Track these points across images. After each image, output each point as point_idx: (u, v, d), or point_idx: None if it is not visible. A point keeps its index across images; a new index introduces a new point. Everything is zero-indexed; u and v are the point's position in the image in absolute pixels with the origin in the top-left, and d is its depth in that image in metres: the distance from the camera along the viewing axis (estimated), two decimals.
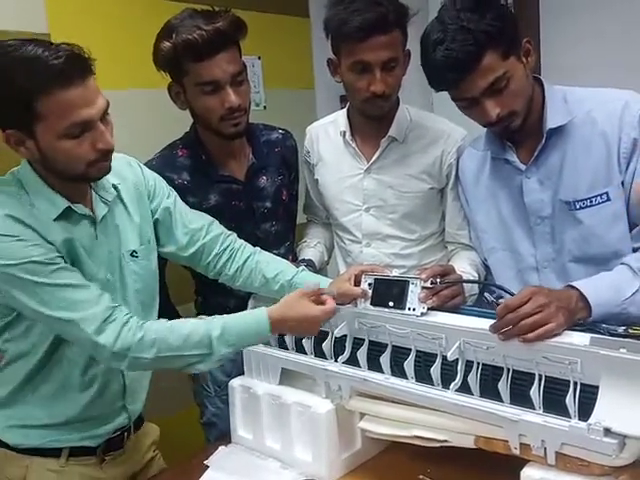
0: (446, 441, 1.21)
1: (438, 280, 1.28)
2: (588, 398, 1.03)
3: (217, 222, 1.51)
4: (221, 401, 1.70)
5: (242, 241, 1.52)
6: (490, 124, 1.37)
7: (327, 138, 1.79)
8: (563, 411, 1.05)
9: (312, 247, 1.83)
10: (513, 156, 1.44)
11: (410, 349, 1.24)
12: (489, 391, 1.14)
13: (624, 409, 0.99)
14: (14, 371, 1.28)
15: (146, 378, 1.46)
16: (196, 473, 1.38)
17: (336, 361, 1.36)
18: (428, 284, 1.26)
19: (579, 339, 1.07)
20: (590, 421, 1.01)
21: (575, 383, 1.05)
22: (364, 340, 1.32)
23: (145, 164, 1.51)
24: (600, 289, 1.21)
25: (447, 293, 1.29)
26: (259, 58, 2.71)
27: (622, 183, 1.33)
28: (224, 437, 1.55)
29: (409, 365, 1.23)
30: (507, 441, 1.11)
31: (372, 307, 1.31)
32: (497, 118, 1.33)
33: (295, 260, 1.74)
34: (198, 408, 1.81)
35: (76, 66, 1.12)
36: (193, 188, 1.62)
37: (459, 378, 1.17)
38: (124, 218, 1.35)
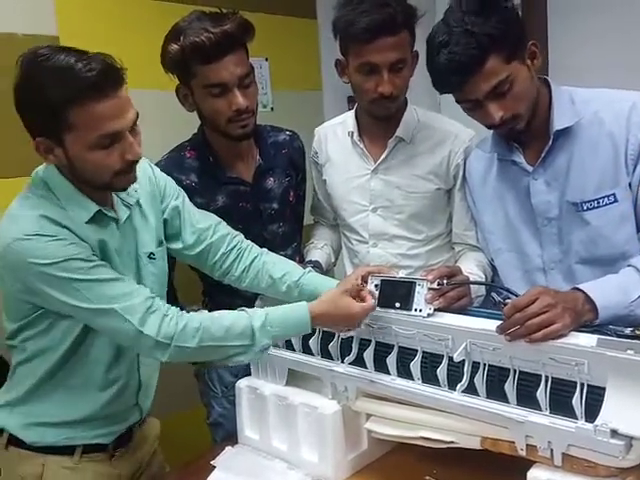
0: (452, 442, 1.21)
1: (445, 281, 1.28)
2: (595, 399, 1.03)
3: (224, 223, 1.52)
4: (228, 401, 1.71)
5: (249, 242, 1.53)
6: (493, 127, 1.37)
7: (335, 139, 1.79)
8: (570, 412, 1.05)
9: (319, 249, 1.84)
10: (520, 157, 1.44)
11: (416, 350, 1.25)
12: (495, 392, 1.14)
13: (631, 410, 0.98)
14: (33, 368, 1.29)
15: (156, 374, 1.47)
16: (203, 473, 1.39)
17: (343, 362, 1.36)
18: (435, 285, 1.26)
19: (586, 340, 1.07)
20: (597, 422, 1.00)
21: (582, 384, 1.05)
22: (371, 341, 1.32)
23: None
24: (607, 291, 1.20)
25: (453, 294, 1.30)
26: (266, 60, 2.72)
27: (629, 184, 1.33)
28: (231, 437, 1.55)
29: (415, 366, 1.24)
30: (513, 442, 1.11)
31: (379, 308, 1.31)
32: (500, 121, 1.33)
33: (302, 261, 1.75)
34: (205, 408, 1.81)
35: (109, 78, 1.12)
36: (201, 189, 1.62)
37: (465, 379, 1.17)
38: (141, 220, 1.36)
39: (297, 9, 2.86)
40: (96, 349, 1.29)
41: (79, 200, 1.23)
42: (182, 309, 1.74)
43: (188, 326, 1.21)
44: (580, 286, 1.20)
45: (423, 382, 1.24)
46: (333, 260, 1.88)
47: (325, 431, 1.32)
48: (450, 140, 1.68)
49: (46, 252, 1.15)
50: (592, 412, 1.03)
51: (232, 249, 1.49)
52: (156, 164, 1.57)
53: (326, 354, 1.39)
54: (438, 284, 1.27)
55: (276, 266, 1.47)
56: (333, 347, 1.37)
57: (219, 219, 1.51)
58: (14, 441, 1.32)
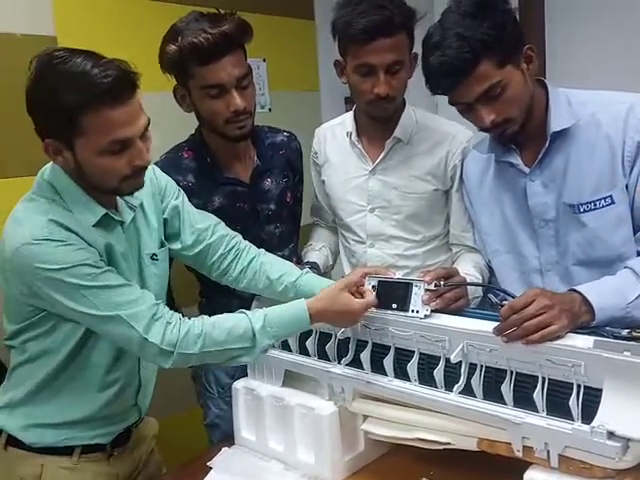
0: (449, 443, 1.21)
1: (442, 282, 1.28)
2: (591, 401, 1.03)
3: (223, 223, 1.52)
4: (224, 402, 1.71)
5: (247, 242, 1.53)
6: (485, 130, 1.38)
7: (334, 139, 1.80)
8: (566, 414, 1.05)
9: (317, 250, 1.84)
10: (517, 159, 1.44)
11: (413, 351, 1.25)
12: (492, 394, 1.15)
13: (627, 412, 0.99)
14: (34, 370, 1.29)
15: (155, 374, 1.47)
16: (199, 474, 1.39)
17: (339, 363, 1.36)
18: (432, 286, 1.27)
19: (583, 342, 1.07)
20: (593, 424, 1.01)
21: (578, 386, 1.05)
22: (367, 342, 1.32)
23: None
24: (604, 293, 1.20)
25: (450, 295, 1.30)
26: (264, 60, 2.72)
27: (626, 186, 1.33)
28: (227, 438, 1.55)
29: (412, 367, 1.24)
30: (510, 444, 1.11)
31: (375, 309, 1.31)
32: (491, 124, 1.33)
33: (299, 262, 1.75)
34: (201, 409, 1.81)
35: (124, 84, 1.12)
36: (198, 190, 1.62)
37: (462, 380, 1.17)
38: (143, 221, 1.36)
39: (295, 10, 2.86)
40: (97, 352, 1.29)
41: (86, 203, 1.23)
42: (179, 310, 1.75)
43: (190, 333, 1.22)
44: (577, 288, 1.20)
45: (420, 383, 1.24)
46: (331, 262, 1.88)
47: (322, 432, 1.32)
48: (448, 141, 1.68)
49: (55, 257, 1.15)
50: (589, 414, 1.03)
51: (230, 250, 1.49)
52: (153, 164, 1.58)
53: (323, 355, 1.39)
54: (435, 285, 1.27)
55: (273, 267, 1.47)
56: (330, 348, 1.37)
57: (218, 219, 1.51)
58: (13, 442, 1.32)
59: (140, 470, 1.47)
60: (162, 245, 1.41)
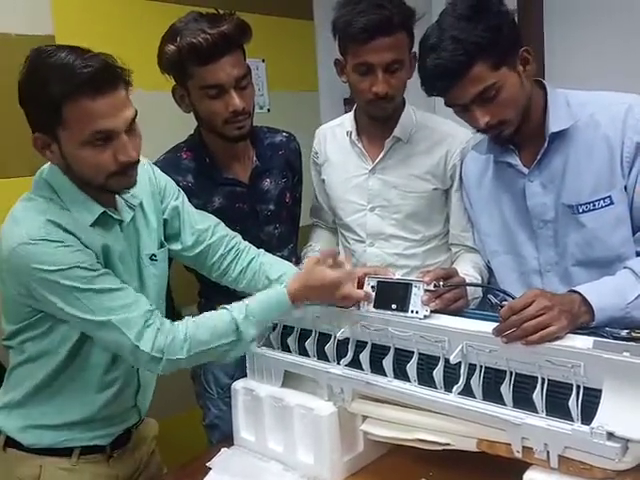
0: (448, 444, 1.21)
1: (441, 283, 1.28)
2: (591, 402, 1.03)
3: (223, 224, 1.52)
4: (224, 403, 1.71)
5: (246, 243, 1.53)
6: (481, 131, 1.39)
7: (334, 139, 1.81)
8: (566, 414, 1.05)
9: (316, 251, 1.83)
10: (516, 159, 1.44)
11: (413, 352, 1.24)
12: (492, 394, 1.14)
13: (627, 413, 0.99)
14: (32, 371, 1.29)
15: (155, 376, 1.46)
16: (198, 475, 1.38)
17: (339, 364, 1.36)
18: (431, 287, 1.27)
19: (582, 342, 1.07)
20: (593, 425, 1.00)
21: (578, 386, 1.05)
22: (367, 343, 1.32)
23: None
24: (603, 293, 1.21)
25: (450, 296, 1.29)
26: (263, 61, 2.72)
27: (625, 187, 1.33)
28: (226, 439, 1.55)
29: (412, 368, 1.23)
30: (510, 444, 1.11)
31: (375, 310, 1.31)
32: (486, 126, 1.34)
33: (299, 263, 1.74)
34: (201, 410, 1.81)
35: (106, 76, 1.12)
36: (197, 190, 1.62)
37: (462, 381, 1.17)
38: (143, 221, 1.36)
39: (294, 10, 2.86)
40: (96, 352, 1.29)
41: (83, 202, 1.22)
42: (178, 310, 1.75)
43: (176, 338, 1.22)
44: (576, 288, 1.20)
45: (419, 384, 1.23)
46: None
47: (321, 433, 1.32)
48: (447, 140, 1.68)
49: (52, 258, 1.15)
50: (588, 414, 1.03)
51: (230, 250, 1.49)
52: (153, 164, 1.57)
53: (322, 356, 1.39)
54: (434, 286, 1.27)
55: (273, 267, 1.47)
56: (329, 349, 1.37)
57: (218, 220, 1.51)
58: (12, 443, 1.31)
59: (141, 471, 1.46)
60: (161, 245, 1.40)
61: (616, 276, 1.28)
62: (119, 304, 1.19)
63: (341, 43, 1.60)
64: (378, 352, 1.31)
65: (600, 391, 1.02)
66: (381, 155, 1.70)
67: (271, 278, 1.45)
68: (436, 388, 1.20)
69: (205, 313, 1.29)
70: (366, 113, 1.69)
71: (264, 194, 1.71)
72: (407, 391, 1.24)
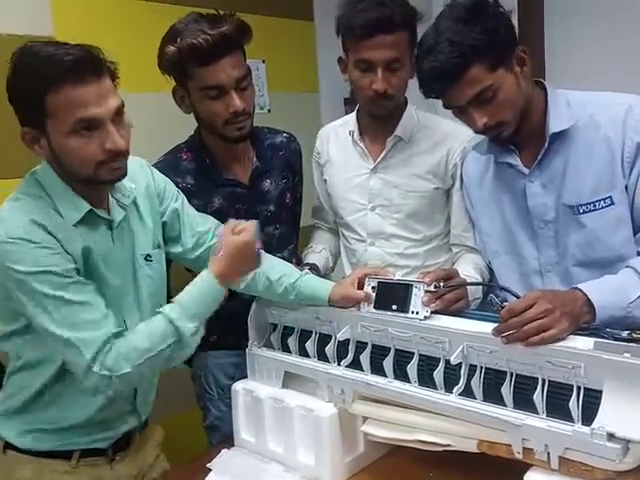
0: (449, 445, 1.21)
1: (442, 284, 1.28)
2: (592, 403, 1.03)
3: (223, 225, 1.51)
4: (224, 404, 1.70)
5: None
6: (479, 132, 1.39)
7: (337, 139, 1.81)
8: (566, 416, 1.05)
9: (317, 252, 1.84)
10: (516, 160, 1.44)
11: (413, 353, 1.24)
12: (492, 395, 1.14)
13: (628, 414, 0.99)
14: (30, 379, 1.28)
15: (155, 380, 1.45)
16: (199, 476, 1.39)
17: (339, 365, 1.36)
18: (431, 287, 1.26)
19: (583, 343, 1.07)
20: (593, 426, 1.00)
21: (579, 387, 1.05)
22: (367, 344, 1.32)
23: None
24: (605, 292, 1.20)
25: (450, 297, 1.29)
26: (263, 61, 2.72)
27: (626, 187, 1.33)
28: (227, 440, 1.55)
29: (412, 369, 1.23)
30: (510, 445, 1.11)
31: (375, 310, 1.31)
32: (484, 127, 1.34)
33: (299, 264, 1.74)
34: (201, 411, 1.81)
35: (88, 64, 1.12)
36: (197, 191, 1.62)
37: (462, 382, 1.17)
38: (138, 222, 1.35)
39: (294, 11, 2.86)
40: None
41: (71, 199, 1.21)
42: None
43: (119, 353, 1.18)
44: (579, 285, 1.20)
45: (420, 385, 1.24)
46: (331, 264, 1.88)
47: (321, 434, 1.32)
48: (449, 140, 1.68)
49: (27, 259, 1.13)
50: (589, 415, 1.03)
51: None
52: (152, 166, 1.57)
53: (322, 357, 1.39)
54: (435, 286, 1.27)
55: (273, 268, 1.47)
56: (329, 349, 1.37)
57: (218, 222, 1.51)
58: (11, 446, 1.31)
59: (143, 475, 1.46)
60: (157, 247, 1.39)
61: (618, 275, 1.28)
62: (84, 319, 1.16)
63: (343, 40, 1.61)
64: (378, 353, 1.31)
65: (600, 392, 1.02)
66: (382, 154, 1.71)
67: (271, 279, 1.45)
68: (436, 389, 1.20)
69: (141, 323, 1.26)
70: (367, 111, 1.69)
71: (264, 195, 1.71)
72: (407, 392, 1.24)
